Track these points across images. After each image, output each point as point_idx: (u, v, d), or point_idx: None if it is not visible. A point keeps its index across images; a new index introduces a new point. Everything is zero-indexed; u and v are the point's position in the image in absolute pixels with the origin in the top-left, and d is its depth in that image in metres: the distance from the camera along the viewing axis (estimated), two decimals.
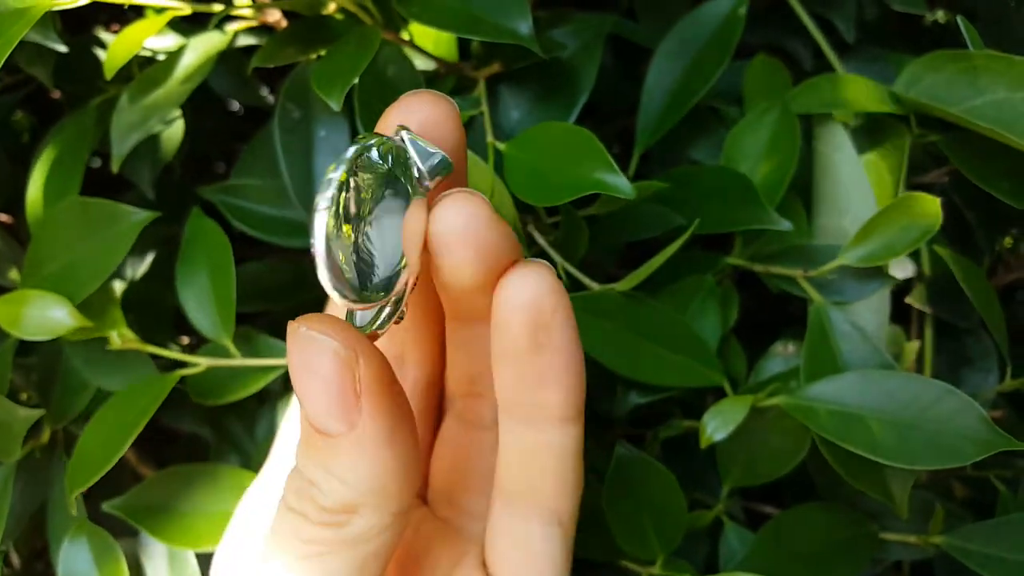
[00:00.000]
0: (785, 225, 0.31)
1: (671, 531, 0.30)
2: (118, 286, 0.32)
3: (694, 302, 0.32)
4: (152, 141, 0.34)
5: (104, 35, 0.37)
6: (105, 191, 0.33)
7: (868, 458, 0.28)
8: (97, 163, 0.45)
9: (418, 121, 0.18)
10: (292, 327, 0.16)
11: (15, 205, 0.34)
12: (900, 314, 0.35)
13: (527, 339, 0.18)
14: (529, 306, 0.17)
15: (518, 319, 0.17)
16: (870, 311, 0.32)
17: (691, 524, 0.32)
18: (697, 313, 0.32)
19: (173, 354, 0.31)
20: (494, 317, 0.18)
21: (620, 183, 0.28)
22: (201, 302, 0.31)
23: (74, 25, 0.39)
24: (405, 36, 0.32)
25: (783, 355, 0.32)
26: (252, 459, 0.40)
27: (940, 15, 0.48)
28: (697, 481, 0.35)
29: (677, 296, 0.32)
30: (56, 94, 0.43)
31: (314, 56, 0.32)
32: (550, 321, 0.18)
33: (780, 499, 0.36)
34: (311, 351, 0.16)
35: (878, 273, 0.32)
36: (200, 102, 0.35)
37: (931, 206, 0.30)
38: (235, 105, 0.48)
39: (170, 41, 0.33)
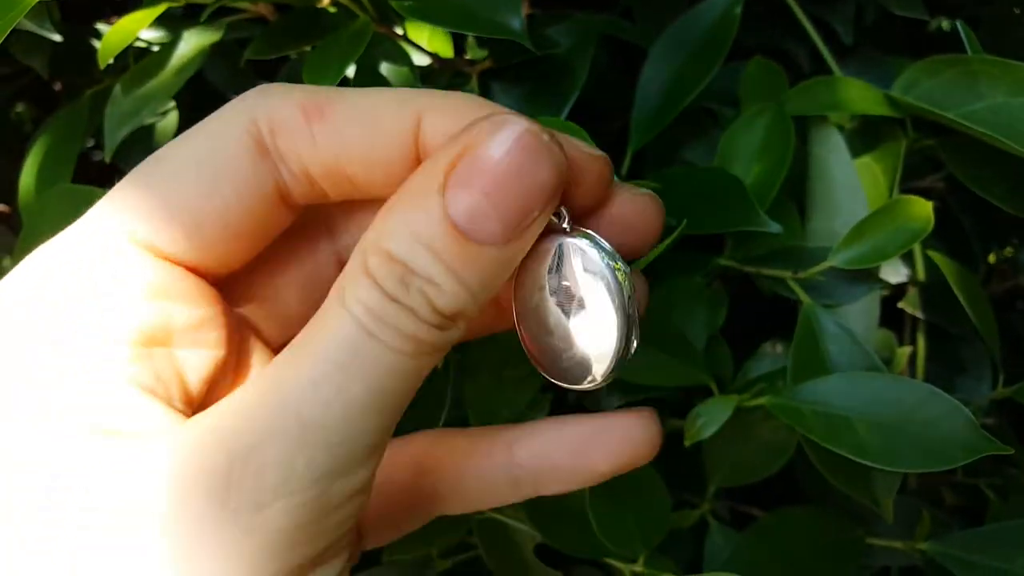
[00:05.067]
0: (774, 228, 0.31)
1: (654, 528, 0.30)
2: None
3: (683, 302, 0.32)
4: (147, 131, 0.35)
5: (104, 27, 0.37)
6: (105, 179, 0.33)
7: (853, 460, 0.27)
8: (100, 152, 0.45)
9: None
10: (525, 123, 0.16)
11: (12, 194, 0.34)
12: (893, 319, 0.35)
13: None
14: None
15: None
16: (859, 314, 0.32)
17: (676, 523, 0.31)
18: (686, 313, 0.32)
19: None
20: None
21: None
22: None
23: (77, 17, 0.39)
24: (399, 31, 0.32)
25: (771, 355, 0.32)
26: None
27: (944, 23, 0.48)
28: (683, 480, 0.34)
29: (666, 296, 0.32)
30: (59, 86, 0.43)
31: (308, 48, 0.32)
32: None
33: (767, 501, 0.36)
34: (540, 156, 0.15)
35: (868, 276, 0.32)
36: (201, 93, 0.36)
37: (922, 209, 0.30)
38: None
39: (165, 33, 0.34)
